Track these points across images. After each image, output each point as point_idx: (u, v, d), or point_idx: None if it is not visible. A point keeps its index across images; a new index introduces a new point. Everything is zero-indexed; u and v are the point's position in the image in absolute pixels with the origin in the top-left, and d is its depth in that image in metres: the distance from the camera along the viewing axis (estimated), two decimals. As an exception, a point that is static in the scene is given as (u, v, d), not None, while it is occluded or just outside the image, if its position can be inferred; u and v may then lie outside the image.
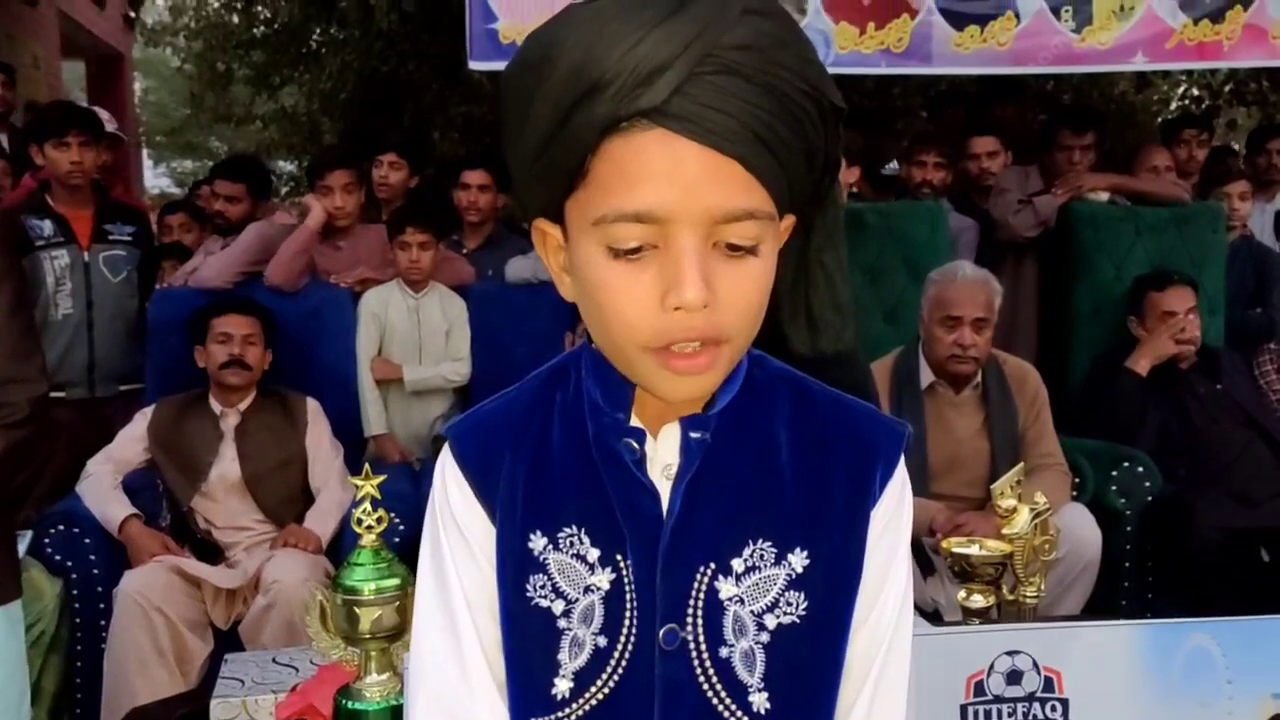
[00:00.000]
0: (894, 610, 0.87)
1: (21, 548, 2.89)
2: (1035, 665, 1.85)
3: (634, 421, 0.85)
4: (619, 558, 0.84)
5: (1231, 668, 1.88)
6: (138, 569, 2.89)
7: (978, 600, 2.20)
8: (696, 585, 0.83)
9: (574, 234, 0.79)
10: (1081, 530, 2.99)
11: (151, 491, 3.17)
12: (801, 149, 0.77)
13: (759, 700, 0.83)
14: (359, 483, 1.67)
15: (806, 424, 0.87)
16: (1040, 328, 4.13)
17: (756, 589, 0.83)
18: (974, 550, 2.21)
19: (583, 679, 0.84)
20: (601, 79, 0.72)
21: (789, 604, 0.83)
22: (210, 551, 3.14)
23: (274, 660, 2.15)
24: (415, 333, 3.67)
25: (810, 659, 0.84)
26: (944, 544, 2.36)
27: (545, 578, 0.85)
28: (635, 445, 0.84)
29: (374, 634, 1.67)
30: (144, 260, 3.92)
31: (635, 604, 0.83)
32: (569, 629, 0.84)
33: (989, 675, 1.85)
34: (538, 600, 0.85)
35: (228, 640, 2.90)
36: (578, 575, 0.85)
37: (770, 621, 0.83)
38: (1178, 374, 3.57)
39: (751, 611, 0.83)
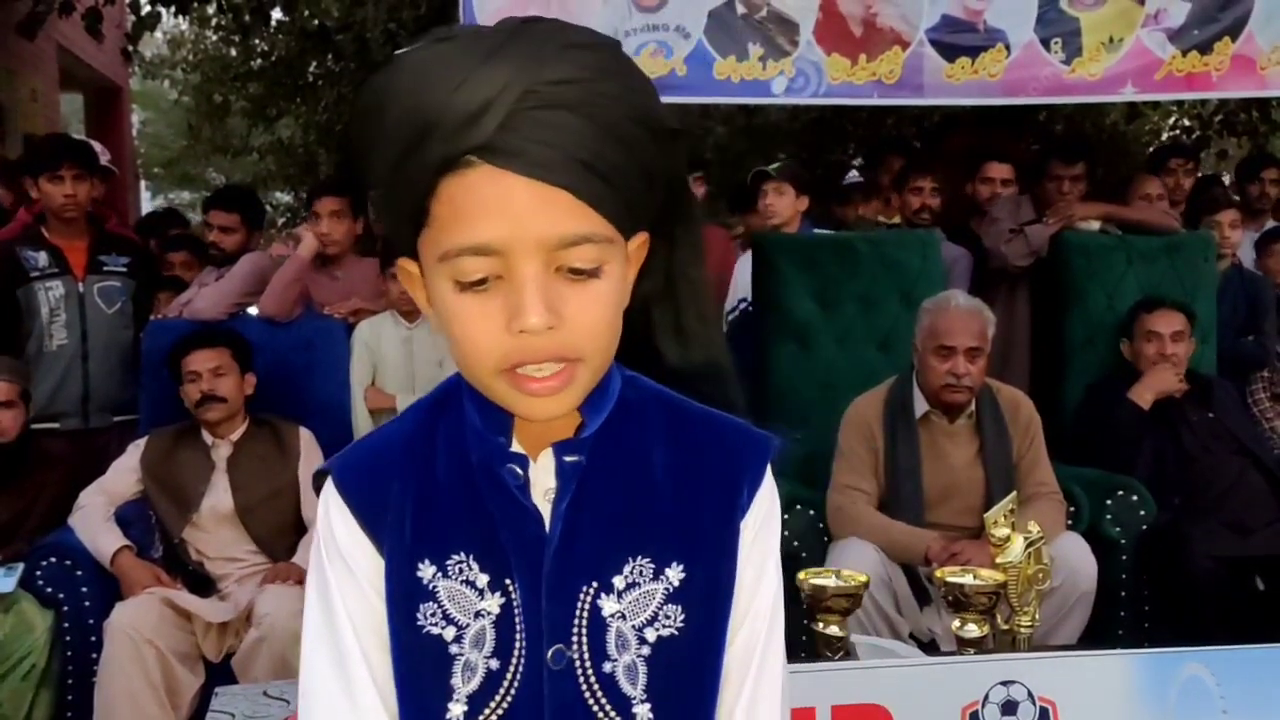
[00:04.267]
0: (768, 614, 0.90)
1: (13, 580, 2.88)
2: (1030, 695, 1.85)
3: (515, 446, 0.87)
4: (507, 582, 0.86)
5: (1226, 697, 1.88)
6: (129, 601, 2.88)
7: (972, 630, 2.19)
8: (580, 605, 0.86)
9: (427, 270, 0.82)
10: (1077, 559, 2.99)
11: (144, 523, 3.16)
12: (636, 172, 0.79)
13: (642, 711, 0.86)
14: (350, 513, 1.66)
15: (679, 441, 0.90)
16: (1033, 356, 4.14)
17: (637, 604, 0.86)
18: (968, 579, 2.21)
19: (476, 702, 0.86)
20: (428, 122, 0.75)
21: (668, 617, 0.86)
22: (203, 583, 3.13)
23: (265, 693, 2.14)
24: (408, 363, 3.67)
25: (689, 668, 0.87)
26: (938, 573, 2.36)
27: (435, 605, 0.87)
28: (518, 471, 0.87)
29: (365, 666, 1.65)
30: (139, 291, 3.92)
31: (523, 626, 0.86)
32: (461, 654, 0.86)
33: (984, 705, 1.85)
34: (429, 628, 0.87)
35: (219, 673, 2.88)
36: (468, 601, 0.87)
37: (650, 635, 0.86)
38: (1171, 403, 3.57)
39: (633, 626, 0.86)
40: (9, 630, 2.84)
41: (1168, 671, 1.86)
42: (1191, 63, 4.03)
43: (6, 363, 3.36)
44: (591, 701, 0.86)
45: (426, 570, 0.87)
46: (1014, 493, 2.51)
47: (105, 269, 3.82)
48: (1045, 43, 3.97)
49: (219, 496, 3.16)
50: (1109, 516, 3.30)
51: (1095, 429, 3.61)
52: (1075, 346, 3.99)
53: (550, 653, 0.85)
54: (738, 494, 0.89)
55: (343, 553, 0.89)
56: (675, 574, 0.87)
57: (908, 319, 3.43)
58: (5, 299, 3.66)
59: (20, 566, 2.94)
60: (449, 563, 0.87)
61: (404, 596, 0.87)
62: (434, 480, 0.89)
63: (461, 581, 0.86)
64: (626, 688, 0.86)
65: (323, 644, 0.89)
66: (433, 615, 0.86)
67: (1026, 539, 2.20)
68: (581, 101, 0.75)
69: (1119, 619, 3.27)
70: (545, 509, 0.86)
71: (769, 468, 0.91)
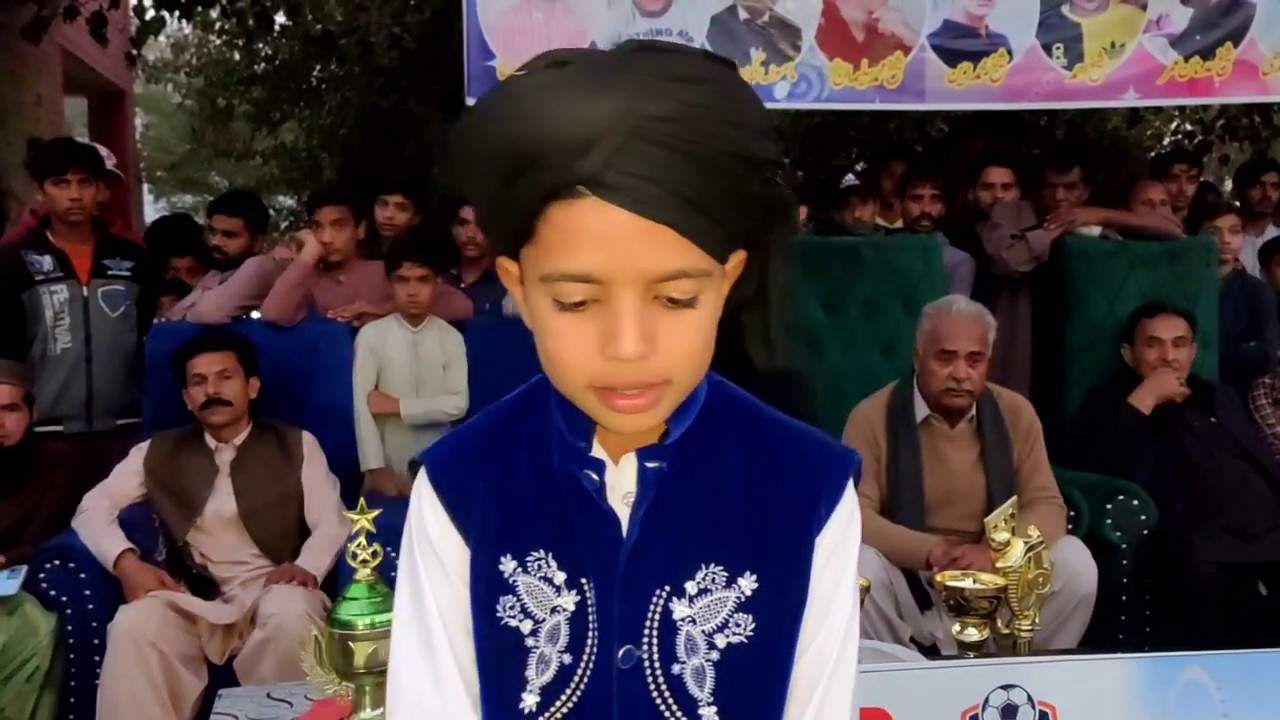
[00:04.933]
0: (840, 634, 0.92)
1: (17, 583, 2.90)
2: (1030, 699, 1.85)
3: (596, 450, 0.90)
4: (583, 580, 0.89)
5: (1227, 701, 1.88)
6: (132, 604, 2.88)
7: (972, 634, 2.20)
8: (652, 607, 0.89)
9: (527, 281, 0.85)
10: (1077, 564, 2.99)
11: (147, 526, 3.17)
12: (736, 204, 0.81)
13: (708, 714, 0.89)
14: (354, 517, 1.67)
15: (758, 451, 0.92)
16: (1034, 361, 4.15)
17: (708, 610, 0.89)
18: (968, 584, 2.21)
19: (549, 694, 0.89)
20: (538, 151, 0.77)
21: (738, 625, 0.89)
22: (206, 586, 3.14)
23: (269, 695, 2.15)
24: (413, 366, 3.68)
25: (757, 675, 0.89)
26: (938, 577, 2.36)
27: (514, 599, 0.90)
28: (595, 476, 0.89)
29: (369, 668, 1.67)
30: (143, 295, 3.94)
31: (596, 624, 0.89)
32: (536, 647, 0.90)
33: (984, 709, 1.85)
34: (507, 620, 0.90)
35: (223, 675, 2.89)
36: (545, 597, 0.90)
37: (720, 641, 0.89)
38: (1172, 408, 3.58)
39: (703, 631, 0.89)
40: (12, 633, 2.85)
41: (1168, 675, 1.87)
42: (1193, 68, 4.03)
43: (10, 366, 3.37)
44: (659, 701, 0.88)
45: (508, 564, 0.91)
46: (1014, 497, 2.51)
47: (110, 273, 3.84)
48: (1047, 48, 3.98)
49: (222, 500, 3.17)
50: (1109, 521, 3.30)
51: (1096, 433, 3.62)
52: (1076, 351, 3.99)
53: (621, 652, 0.88)
54: (814, 509, 0.91)
55: (433, 543, 0.93)
56: (748, 584, 0.89)
57: (909, 323, 3.44)
58: (10, 303, 3.68)
59: (24, 569, 2.95)
60: (529, 559, 0.90)
61: (486, 589, 0.91)
62: (515, 477, 0.92)
63: (540, 577, 0.90)
64: (694, 690, 0.88)
65: (411, 632, 0.93)
66: (511, 608, 0.90)
67: (1027, 543, 2.21)
68: (684, 139, 0.77)
69: (1120, 623, 3.28)
70: (623, 512, 0.89)
71: (850, 485, 0.92)
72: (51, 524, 3.18)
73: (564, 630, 0.89)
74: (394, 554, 3.09)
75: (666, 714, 0.88)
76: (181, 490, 3.18)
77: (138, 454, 3.26)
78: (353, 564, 1.69)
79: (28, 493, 3.24)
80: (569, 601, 0.89)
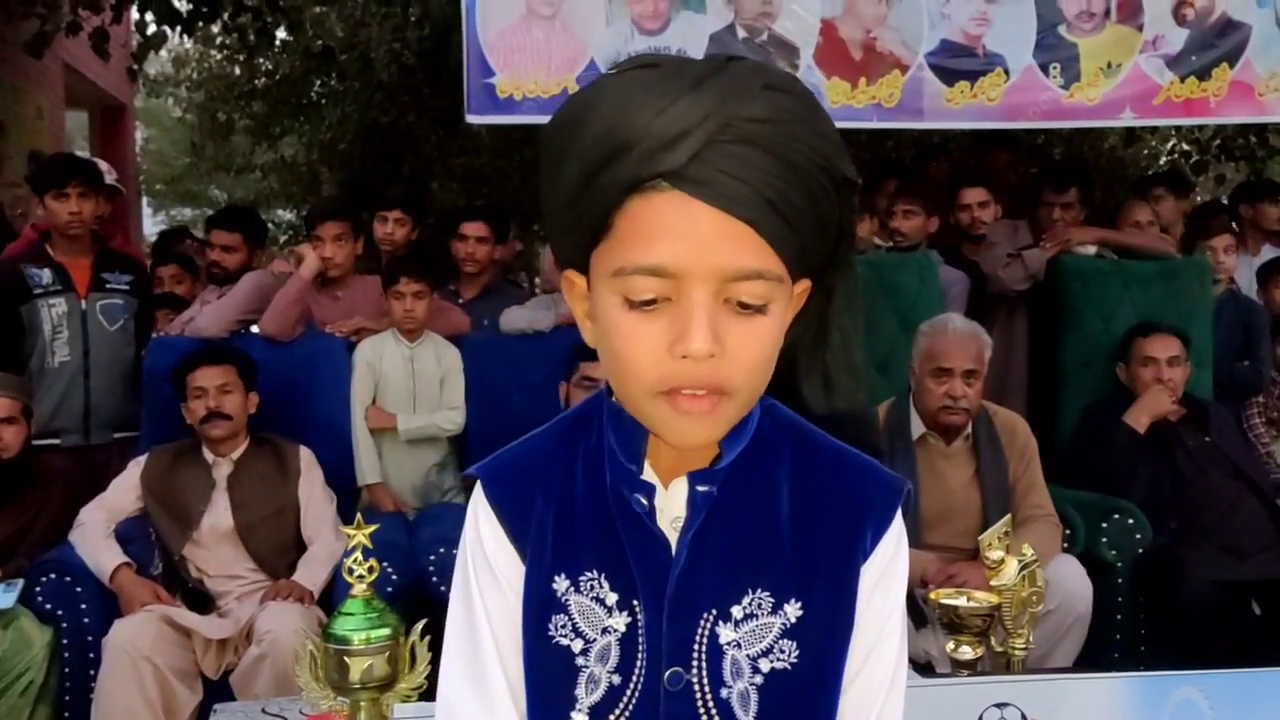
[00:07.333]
0: (888, 669, 0.91)
1: (13, 596, 2.90)
2: (1024, 717, 1.86)
3: (647, 473, 0.89)
4: (635, 602, 0.89)
5: (1219, 721, 1.88)
6: (127, 618, 2.88)
7: (966, 652, 2.20)
8: (700, 631, 0.88)
9: (595, 283, 0.84)
10: (1072, 582, 3.00)
11: (144, 540, 3.17)
12: (814, 217, 0.81)
13: None
14: (350, 532, 1.68)
15: (807, 476, 0.91)
16: (1030, 379, 4.16)
17: (753, 635, 0.88)
18: (962, 602, 2.22)
19: (597, 713, 0.89)
20: (626, 142, 0.78)
21: (782, 651, 0.88)
22: (202, 600, 3.14)
23: (263, 710, 2.15)
24: (410, 382, 3.68)
25: (802, 704, 0.89)
26: (933, 595, 2.37)
27: (566, 618, 0.90)
28: (644, 500, 0.89)
29: (364, 684, 1.67)
30: (141, 309, 3.95)
31: (645, 646, 0.88)
32: (586, 666, 0.89)
33: (978, 727, 1.85)
34: (559, 639, 0.90)
35: (218, 690, 2.89)
36: (596, 617, 0.90)
37: (764, 665, 0.88)
38: (1167, 427, 3.59)
39: (748, 655, 0.88)
40: (8, 646, 2.84)
41: (1161, 695, 1.87)
42: (1190, 88, 4.05)
43: (9, 379, 3.38)
44: None
45: (561, 583, 0.90)
46: (1009, 515, 2.52)
47: (108, 287, 3.85)
48: (1044, 68, 4.00)
49: (219, 514, 3.17)
50: (1105, 539, 3.31)
51: (1091, 452, 3.62)
52: (1071, 370, 4.00)
53: (668, 674, 0.87)
54: (860, 537, 0.89)
55: (489, 557, 0.92)
56: (793, 610, 0.88)
57: (905, 341, 3.45)
58: (9, 316, 3.69)
59: (20, 583, 2.95)
60: (582, 579, 0.90)
61: (538, 606, 0.91)
62: (573, 497, 0.91)
63: (592, 598, 0.90)
64: (740, 714, 0.88)
65: (462, 648, 0.93)
66: (563, 627, 0.90)
67: (1021, 562, 2.22)
68: (774, 141, 0.78)
69: (1115, 642, 3.28)
70: (672, 535, 0.88)
71: (898, 515, 0.91)
72: (48, 537, 3.19)
73: (614, 651, 0.89)
74: (390, 569, 3.08)
75: None
76: (178, 504, 3.18)
77: (135, 467, 3.26)
78: (349, 579, 1.69)
79: (25, 506, 3.25)
80: (620, 623, 0.89)
